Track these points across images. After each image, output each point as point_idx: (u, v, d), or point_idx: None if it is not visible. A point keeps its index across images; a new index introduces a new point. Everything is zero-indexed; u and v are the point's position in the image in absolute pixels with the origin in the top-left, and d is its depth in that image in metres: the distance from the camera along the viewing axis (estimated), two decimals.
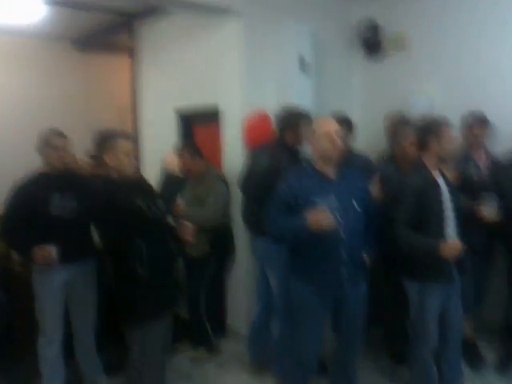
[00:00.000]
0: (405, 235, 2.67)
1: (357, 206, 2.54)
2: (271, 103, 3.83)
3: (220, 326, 4.01)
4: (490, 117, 3.54)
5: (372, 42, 4.44)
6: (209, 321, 3.69)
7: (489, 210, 2.67)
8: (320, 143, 2.53)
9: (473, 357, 3.44)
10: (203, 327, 3.69)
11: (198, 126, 4.52)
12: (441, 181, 2.75)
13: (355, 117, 4.54)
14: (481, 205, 2.62)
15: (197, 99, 4.18)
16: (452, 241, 2.59)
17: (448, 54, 4.05)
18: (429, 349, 2.81)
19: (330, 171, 2.58)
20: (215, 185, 3.56)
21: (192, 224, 3.44)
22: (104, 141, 2.64)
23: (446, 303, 2.77)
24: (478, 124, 3.48)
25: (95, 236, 3.00)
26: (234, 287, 4.03)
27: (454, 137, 2.79)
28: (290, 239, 2.60)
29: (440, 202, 2.68)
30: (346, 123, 3.36)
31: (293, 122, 3.16)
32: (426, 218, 2.65)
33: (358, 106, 4.67)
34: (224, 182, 3.65)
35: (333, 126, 2.56)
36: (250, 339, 3.46)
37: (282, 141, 3.19)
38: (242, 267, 3.89)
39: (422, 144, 2.77)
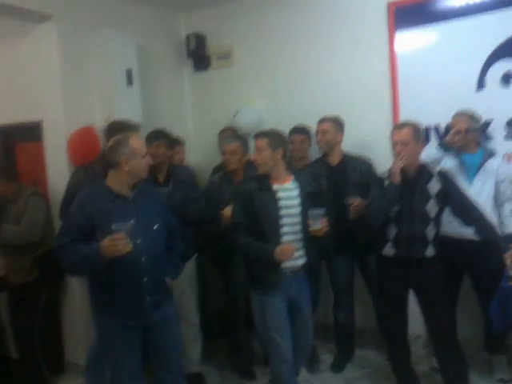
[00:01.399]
0: (240, 240, 2.68)
1: (157, 227, 2.45)
2: (98, 118, 3.66)
3: (57, 361, 3.68)
4: (314, 129, 3.73)
5: (200, 55, 4.49)
6: (44, 358, 3.37)
7: (314, 223, 2.61)
8: (134, 163, 2.37)
9: (310, 358, 3.56)
10: (37, 366, 3.35)
11: (19, 144, 4.14)
12: (284, 189, 2.70)
13: (188, 129, 4.62)
14: (309, 218, 2.63)
15: (17, 114, 3.81)
16: (285, 244, 2.60)
17: (273, 68, 4.24)
18: (283, 363, 2.68)
19: (128, 191, 2.43)
20: (30, 202, 3.30)
21: (6, 242, 3.18)
22: None
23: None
24: (299, 136, 3.66)
25: None
26: (69, 315, 3.74)
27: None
28: (85, 269, 2.35)
29: (274, 210, 2.65)
30: (164, 138, 3.29)
31: (115, 133, 2.94)
32: (261, 224, 2.65)
33: (190, 118, 4.70)
34: (41, 198, 3.40)
35: (141, 144, 2.44)
36: (87, 370, 3.19)
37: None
38: (76, 292, 3.63)
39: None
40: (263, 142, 2.69)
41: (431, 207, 2.75)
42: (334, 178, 3.36)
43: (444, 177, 2.81)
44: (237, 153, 3.30)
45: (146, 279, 2.39)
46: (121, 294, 2.39)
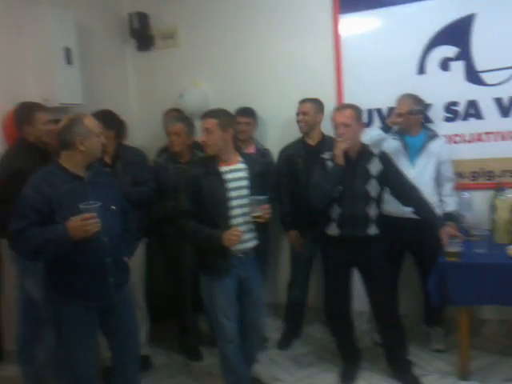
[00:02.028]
0: (187, 226, 2.61)
1: (114, 207, 2.42)
2: (35, 98, 3.50)
3: None
4: (260, 111, 3.81)
5: (143, 34, 4.38)
6: None
7: (254, 210, 2.55)
8: (89, 142, 2.31)
9: None
10: None
11: None
12: (232, 171, 2.63)
13: (133, 110, 4.51)
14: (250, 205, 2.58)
15: None
16: (233, 229, 2.53)
17: (218, 50, 4.20)
18: (229, 343, 2.69)
19: (83, 171, 2.36)
20: None
21: None
22: None
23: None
24: (244, 118, 3.65)
25: None
26: (7, 303, 3.57)
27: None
28: (49, 252, 2.24)
29: (222, 193, 2.57)
30: (108, 119, 3.19)
31: (26, 115, 2.91)
32: (209, 208, 2.58)
33: (134, 98, 4.59)
34: None
35: (95, 123, 2.38)
36: (19, 357, 3.07)
37: (22, 138, 2.91)
38: (14, 280, 3.48)
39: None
40: (213, 122, 2.57)
41: (372, 187, 2.82)
42: (311, 158, 3.32)
43: (384, 158, 2.88)
44: (181, 134, 3.26)
45: (108, 260, 2.35)
46: (84, 275, 2.32)
